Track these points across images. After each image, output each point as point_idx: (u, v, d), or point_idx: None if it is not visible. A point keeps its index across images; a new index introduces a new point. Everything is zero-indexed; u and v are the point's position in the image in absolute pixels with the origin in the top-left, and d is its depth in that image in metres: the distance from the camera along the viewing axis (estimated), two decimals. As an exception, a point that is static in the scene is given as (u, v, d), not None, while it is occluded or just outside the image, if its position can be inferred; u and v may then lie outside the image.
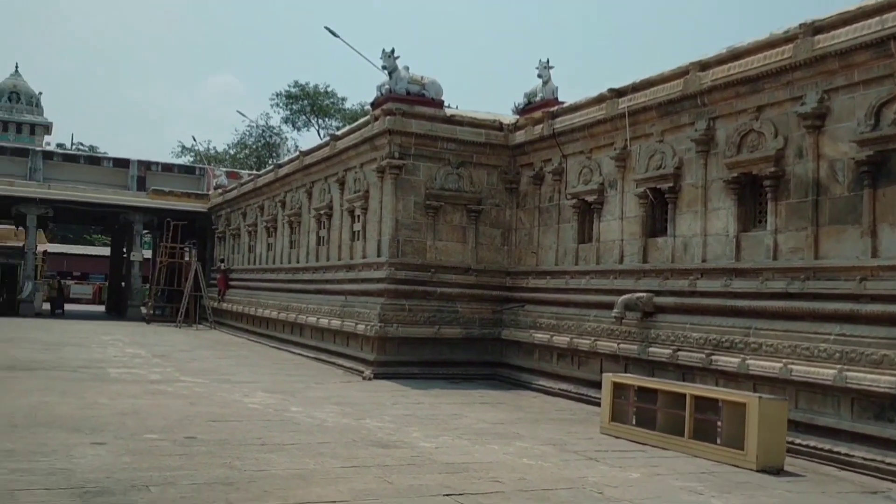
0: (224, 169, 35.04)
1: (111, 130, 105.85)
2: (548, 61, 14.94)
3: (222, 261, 28.45)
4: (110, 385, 11.27)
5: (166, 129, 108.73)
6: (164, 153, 61.44)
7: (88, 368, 13.26)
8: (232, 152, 56.79)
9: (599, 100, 12.94)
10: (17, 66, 44.11)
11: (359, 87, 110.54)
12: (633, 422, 9.46)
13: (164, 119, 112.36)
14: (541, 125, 14.44)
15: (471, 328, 15.05)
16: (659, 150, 11.82)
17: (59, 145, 48.13)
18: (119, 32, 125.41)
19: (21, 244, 32.92)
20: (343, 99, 57.35)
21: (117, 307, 37.68)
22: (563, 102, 14.53)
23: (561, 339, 13.25)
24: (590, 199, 13.31)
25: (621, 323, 11.80)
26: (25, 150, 32.67)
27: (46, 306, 32.11)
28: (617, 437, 9.23)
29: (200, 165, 36.59)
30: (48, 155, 32.92)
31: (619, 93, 12.52)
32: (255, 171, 35.11)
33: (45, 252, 37.72)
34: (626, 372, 11.75)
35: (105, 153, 42.90)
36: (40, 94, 43.21)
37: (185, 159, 53.89)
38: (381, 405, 10.73)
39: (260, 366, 15.52)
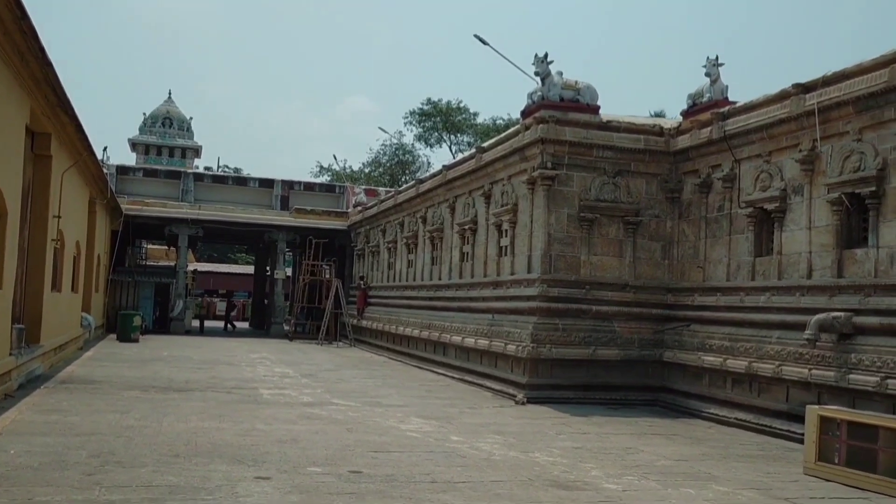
0: (363, 187, 35.33)
1: (254, 153, 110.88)
2: (717, 58, 13.69)
3: (362, 278, 28.49)
4: (265, 408, 10.99)
5: (305, 151, 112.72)
6: (303, 173, 63.43)
7: (241, 389, 13.14)
8: (367, 171, 57.77)
9: (781, 97, 11.62)
10: (170, 93, 46.53)
11: (492, 102, 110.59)
12: (845, 462, 8.15)
13: (303, 141, 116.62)
14: (709, 128, 13.22)
15: (629, 349, 13.96)
16: (857, 150, 10.40)
17: (207, 168, 50.40)
18: (260, 59, 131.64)
19: (172, 263, 34.44)
20: (475, 114, 57.25)
21: (260, 323, 38.80)
22: (734, 103, 13.24)
23: (737, 363, 11.95)
24: (769, 207, 11.98)
25: (814, 346, 10.43)
26: (178, 172, 34.13)
27: (195, 323, 33.33)
28: (827, 480, 7.96)
29: (340, 184, 37.12)
30: (199, 177, 34.27)
31: (805, 88, 11.18)
32: (391, 189, 35.24)
33: (194, 271, 39.36)
34: (819, 402, 10.40)
35: (249, 174, 44.35)
36: (191, 118, 45.35)
37: (324, 178, 55.23)
38: (544, 435, 9.86)
39: (406, 387, 15.02)
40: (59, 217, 14.35)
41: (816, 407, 8.69)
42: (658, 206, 14.50)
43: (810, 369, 10.56)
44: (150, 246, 43.35)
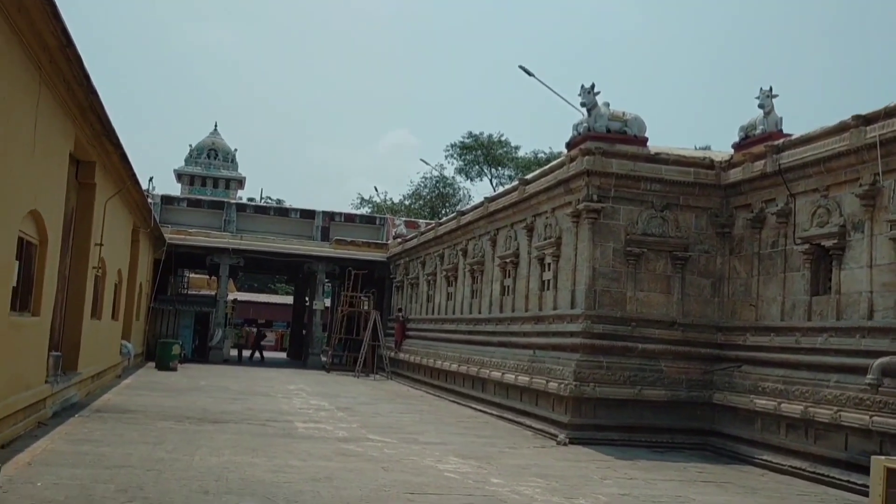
0: (403, 218, 35.25)
1: (296, 185, 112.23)
2: (770, 89, 13.28)
3: (400, 310, 28.24)
4: (299, 443, 10.70)
5: (345, 184, 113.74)
6: (344, 205, 63.83)
7: (276, 422, 12.89)
8: (407, 203, 57.84)
9: (841, 129, 11.15)
10: (216, 125, 47.46)
11: (533, 136, 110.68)
12: (916, 519, 7.56)
13: (344, 173, 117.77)
14: (762, 161, 12.77)
15: (677, 390, 13.41)
16: (922, 185, 9.88)
17: (250, 199, 50.92)
18: (303, 93, 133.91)
19: (213, 293, 34.61)
20: (516, 147, 57.12)
21: (298, 354, 38.73)
22: (788, 135, 12.78)
23: (792, 408, 11.35)
24: (827, 243, 11.45)
25: (877, 391, 9.83)
26: (221, 202, 34.43)
27: (234, 352, 33.34)
28: (897, 539, 7.37)
29: (381, 216, 37.10)
30: (241, 207, 34.56)
31: (866, 120, 10.70)
32: (431, 221, 35.10)
33: (234, 300, 39.55)
34: (880, 451, 9.78)
35: (290, 205, 44.65)
36: (235, 150, 46.05)
37: (364, 210, 55.44)
38: (588, 480, 9.39)
39: (444, 423, 14.62)
40: (101, 245, 14.37)
41: (882, 458, 8.10)
42: (708, 242, 14.02)
43: (871, 416, 9.95)
44: (191, 275, 43.76)
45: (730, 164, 13.85)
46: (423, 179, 58.30)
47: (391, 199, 57.72)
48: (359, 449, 10.52)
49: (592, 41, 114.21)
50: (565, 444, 12.55)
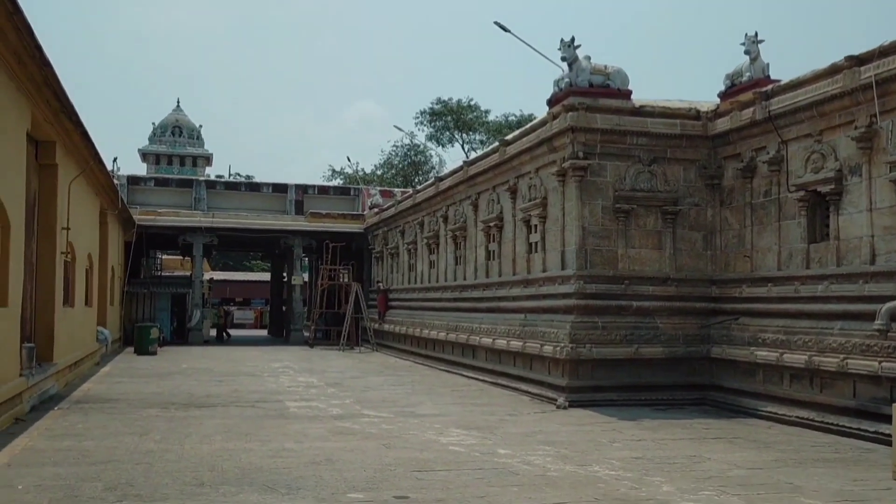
0: (378, 188, 34.61)
1: (265, 160, 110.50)
2: (756, 35, 12.85)
3: (380, 282, 27.77)
4: (293, 423, 10.26)
5: (315, 158, 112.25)
6: (315, 178, 62.46)
7: (266, 402, 12.44)
8: (379, 172, 57.09)
9: (833, 71, 10.79)
10: (178, 101, 46.30)
11: (502, 99, 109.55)
12: (938, 466, 7.34)
13: (313, 147, 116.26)
14: (751, 108, 12.40)
15: (674, 346, 13.16)
16: (924, 123, 9.56)
17: (219, 176, 49.83)
18: (266, 66, 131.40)
19: (188, 273, 33.86)
20: (487, 112, 56.43)
21: (279, 331, 38.19)
22: (777, 81, 12.41)
23: (795, 358, 11.13)
24: (823, 189, 11.15)
25: (885, 336, 9.59)
26: (189, 180, 33.47)
27: (213, 332, 32.72)
28: (921, 487, 7.15)
29: (355, 186, 36.37)
30: (211, 184, 33.62)
31: (860, 60, 10.35)
32: (406, 190, 34.52)
33: (210, 280, 38.78)
34: (891, 397, 9.60)
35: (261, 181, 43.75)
36: (200, 126, 44.85)
37: (337, 182, 54.60)
38: (598, 444, 9.09)
39: (438, 394, 14.27)
40: (68, 229, 13.70)
41: (903, 405, 7.85)
42: (697, 194, 13.69)
43: (881, 362, 9.74)
44: (164, 256, 42.82)
45: (716, 113, 13.48)
46: (395, 148, 57.62)
47: (363, 169, 56.94)
48: (355, 426, 10.12)
49: None
50: (565, 408, 12.26)
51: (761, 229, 12.54)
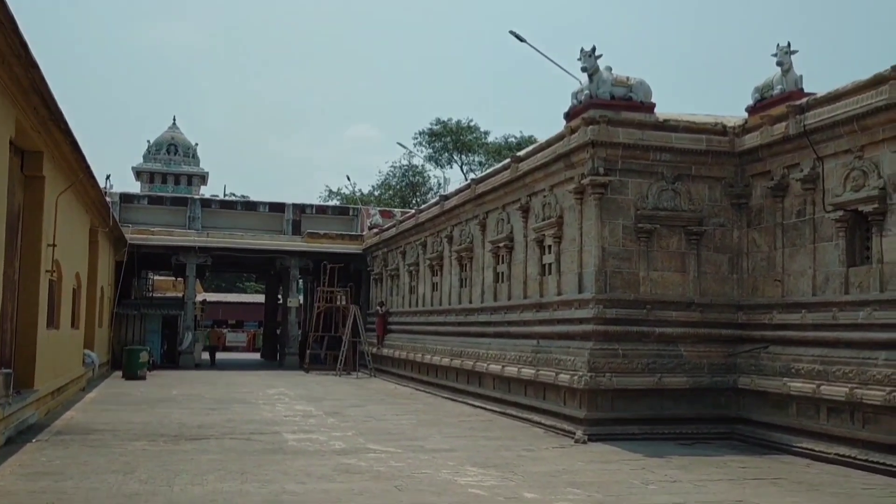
0: (378, 208, 33.83)
1: (260, 180, 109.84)
2: (788, 45, 12.17)
3: (381, 304, 26.89)
4: (292, 459, 9.37)
5: (311, 180, 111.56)
6: (311, 200, 61.70)
7: (262, 434, 11.53)
8: (377, 193, 56.37)
9: (877, 82, 10.09)
10: (174, 119, 45.38)
11: (501, 121, 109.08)
12: None
13: (309, 169, 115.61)
14: (783, 123, 11.68)
15: (698, 376, 12.34)
16: (982, 137, 8.84)
17: (213, 196, 49.05)
18: (263, 87, 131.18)
19: (180, 295, 32.91)
20: (486, 133, 55.82)
21: (272, 354, 37.19)
22: (811, 94, 11.71)
23: (834, 390, 10.31)
24: (864, 208, 10.40)
25: (940, 369, 8.79)
26: (184, 199, 32.66)
27: (206, 356, 31.71)
28: None
29: (354, 206, 35.57)
30: (206, 203, 32.79)
31: (908, 69, 9.65)
32: (406, 210, 33.76)
33: (203, 301, 37.84)
34: (945, 434, 8.79)
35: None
36: (196, 145, 44.11)
37: (334, 202, 53.83)
38: (631, 486, 8.23)
39: (445, 424, 13.39)
40: (54, 245, 12.85)
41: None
42: (723, 214, 12.94)
43: (934, 396, 8.94)
44: (156, 277, 41.88)
45: (744, 128, 12.77)
46: (392, 169, 56.96)
47: (360, 190, 56.21)
48: (361, 463, 9.23)
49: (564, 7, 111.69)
50: (584, 442, 11.40)
51: (794, 252, 11.78)
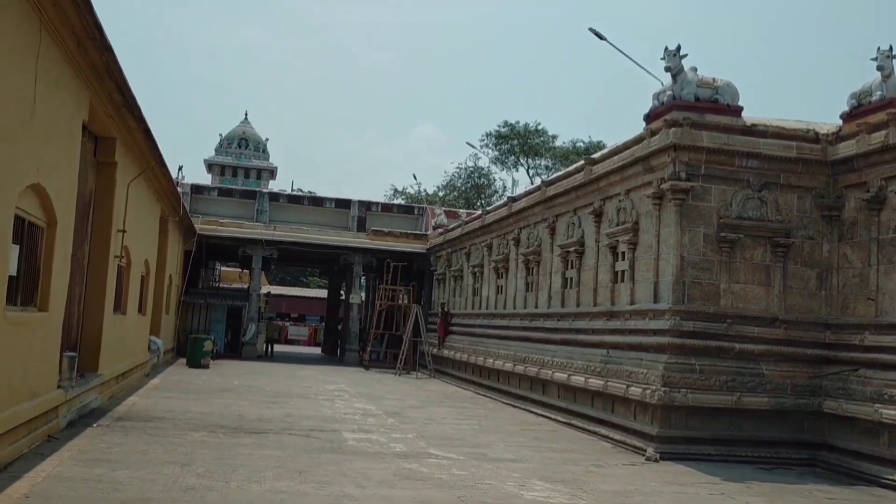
0: (443, 208, 33.53)
1: (327, 176, 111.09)
2: (890, 49, 11.36)
3: (443, 304, 26.56)
4: (352, 461, 9.07)
5: (377, 177, 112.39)
6: (377, 197, 61.93)
7: (321, 432, 11.28)
8: (441, 194, 56.17)
9: None
10: (246, 114, 46.19)
11: (569, 125, 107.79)
12: None
13: (375, 166, 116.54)
14: (883, 131, 10.88)
15: (781, 397, 11.60)
16: None
17: (281, 190, 49.63)
18: (333, 85, 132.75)
19: (245, 286, 33.21)
20: (553, 137, 55.06)
21: (333, 349, 37.26)
22: (919, 99, 10.90)
23: (934, 421, 9.50)
24: (976, 225, 9.56)
25: None
26: (252, 192, 32.93)
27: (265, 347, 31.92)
28: None
29: (419, 205, 35.37)
30: (274, 197, 33.00)
31: None
32: (472, 211, 33.38)
33: (267, 294, 38.18)
34: None
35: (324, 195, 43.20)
36: (267, 140, 44.69)
37: (399, 201, 53.88)
38: (710, 512, 7.65)
39: (507, 432, 12.94)
40: (124, 231, 12.88)
41: None
42: (812, 226, 12.17)
43: None
44: (223, 268, 42.49)
45: (838, 136, 11.98)
46: (458, 170, 56.68)
47: (425, 190, 56.11)
48: (423, 469, 8.87)
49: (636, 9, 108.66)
50: (656, 461, 10.80)
51: (890, 269, 10.96)
